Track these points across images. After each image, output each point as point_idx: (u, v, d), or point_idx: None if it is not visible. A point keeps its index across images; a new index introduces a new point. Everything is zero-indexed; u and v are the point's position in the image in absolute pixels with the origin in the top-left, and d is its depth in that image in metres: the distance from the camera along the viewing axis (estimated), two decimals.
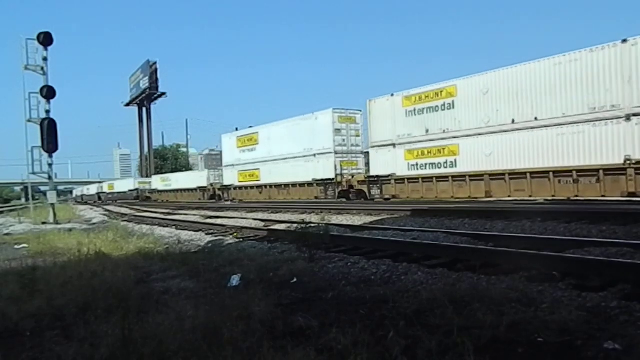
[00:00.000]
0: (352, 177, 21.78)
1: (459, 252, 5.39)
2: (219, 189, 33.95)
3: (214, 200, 33.07)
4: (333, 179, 22.20)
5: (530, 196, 14.46)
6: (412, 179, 18.31)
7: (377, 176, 19.77)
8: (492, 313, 2.89)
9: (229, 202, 29.33)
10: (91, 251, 6.59)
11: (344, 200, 21.37)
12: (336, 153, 22.43)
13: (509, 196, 14.98)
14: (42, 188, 60.08)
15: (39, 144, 16.44)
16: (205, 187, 36.94)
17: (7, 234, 12.67)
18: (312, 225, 6.57)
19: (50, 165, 16.95)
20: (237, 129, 32.24)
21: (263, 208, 19.33)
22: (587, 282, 3.76)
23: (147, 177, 59.74)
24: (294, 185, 25.06)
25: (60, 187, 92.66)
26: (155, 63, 66.55)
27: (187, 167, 71.23)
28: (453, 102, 16.82)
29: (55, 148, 16.57)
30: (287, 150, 25.52)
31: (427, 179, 17.74)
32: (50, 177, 17.27)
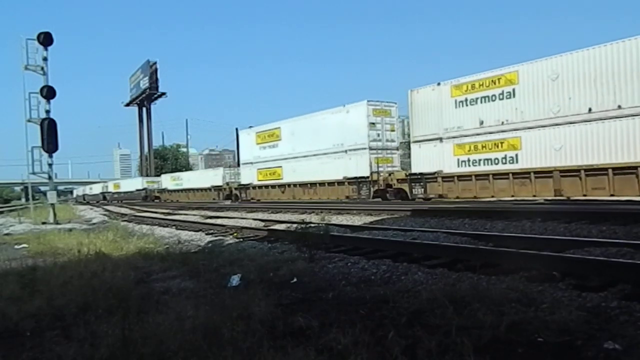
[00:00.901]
0: (390, 174, 19.85)
1: (459, 252, 5.39)
2: (235, 188, 32.22)
3: (229, 201, 31.58)
4: (367, 177, 20.48)
5: (612, 195, 12.91)
6: (463, 177, 16.45)
7: (420, 174, 17.98)
8: (492, 313, 2.89)
9: (235, 203, 28.52)
10: (91, 251, 6.59)
11: (379, 200, 19.73)
12: (371, 149, 20.66)
13: (584, 195, 13.43)
14: (42, 188, 59.81)
15: (39, 144, 16.44)
16: (221, 186, 35.27)
17: (7, 234, 12.67)
18: (312, 225, 6.57)
19: (50, 165, 16.95)
20: (252, 126, 30.30)
21: (263, 208, 19.33)
22: (587, 282, 3.75)
23: (155, 176, 58.30)
24: (321, 184, 23.29)
25: (60, 187, 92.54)
26: (155, 63, 66.61)
27: (187, 167, 71.24)
28: (514, 90, 15.00)
29: (55, 148, 16.57)
30: (314, 146, 23.68)
31: (481, 176, 15.89)
32: (50, 177, 17.27)
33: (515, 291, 3.41)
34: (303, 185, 24.63)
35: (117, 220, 16.47)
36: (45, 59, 16.60)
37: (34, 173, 17.16)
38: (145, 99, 68.02)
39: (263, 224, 11.69)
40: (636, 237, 6.27)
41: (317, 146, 23.48)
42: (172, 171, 60.63)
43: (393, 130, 21.54)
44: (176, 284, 4.72)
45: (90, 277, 4.71)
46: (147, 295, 4.16)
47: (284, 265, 5.21)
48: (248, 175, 29.83)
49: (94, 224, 16.69)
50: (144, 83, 66.37)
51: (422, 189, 17.99)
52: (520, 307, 3.02)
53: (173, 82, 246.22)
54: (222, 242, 8.40)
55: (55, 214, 17.04)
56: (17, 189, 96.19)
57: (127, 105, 73.44)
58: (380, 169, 20.33)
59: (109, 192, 62.77)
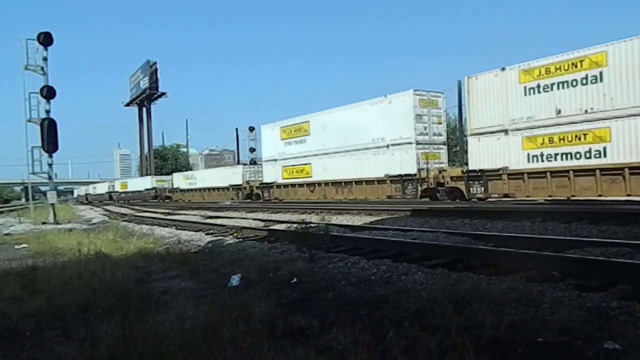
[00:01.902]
0: (441, 172, 17.74)
1: (459, 252, 5.39)
2: (257, 187, 29.73)
3: (249, 200, 29.79)
4: (414, 175, 18.34)
5: None
6: (535, 173, 14.31)
7: (480, 170, 15.80)
8: (492, 313, 2.89)
9: (257, 202, 27.32)
10: (91, 251, 6.59)
11: (427, 199, 17.82)
12: (417, 143, 18.51)
13: None
14: (42, 188, 59.75)
15: (39, 144, 16.45)
16: (240, 185, 32.78)
17: (7, 234, 12.67)
18: (312, 225, 6.58)
19: (50, 165, 16.96)
20: (277, 121, 27.58)
21: (263, 208, 19.33)
22: (587, 282, 3.76)
23: (165, 174, 56.38)
24: (358, 182, 20.98)
25: (60, 187, 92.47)
26: (155, 63, 66.53)
27: (187, 167, 71.17)
28: (601, 73, 12.90)
29: (55, 148, 16.58)
30: (349, 141, 21.35)
31: (558, 172, 13.77)
32: (50, 177, 17.28)
33: (515, 291, 3.42)
34: (336, 183, 22.29)
35: (117, 220, 16.48)
36: (45, 59, 16.61)
37: (34, 173, 17.17)
38: (145, 99, 67.99)
39: (263, 224, 11.69)
40: (636, 237, 6.27)
41: (353, 141, 21.12)
42: (172, 171, 60.51)
43: (440, 123, 19.44)
44: (176, 284, 4.72)
45: (90, 277, 4.71)
46: (147, 295, 4.16)
47: (284, 265, 5.21)
48: (271, 173, 27.37)
49: (94, 224, 16.69)
50: (144, 83, 66.33)
51: (482, 188, 15.82)
52: (520, 307, 3.02)
53: (173, 82, 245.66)
54: (222, 242, 8.40)
55: (55, 214, 17.05)
56: (17, 189, 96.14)
57: (127, 105, 73.40)
58: (426, 165, 18.19)
59: (116, 192, 60.52)
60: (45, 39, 16.45)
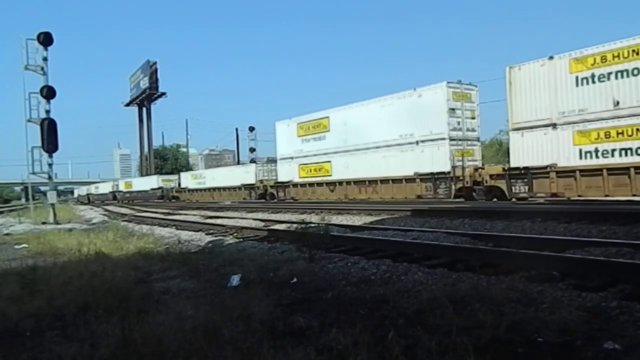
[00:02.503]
0: (478, 169, 16.58)
1: (459, 252, 5.39)
2: (271, 187, 28.30)
3: (263, 200, 28.49)
4: (447, 173, 17.17)
5: None
6: (589, 171, 13.12)
7: (524, 168, 14.58)
8: (492, 313, 2.89)
9: (271, 202, 26.14)
10: (91, 251, 6.60)
11: (461, 200, 16.62)
12: (451, 139, 17.26)
13: None
14: (42, 188, 59.47)
15: (39, 144, 16.47)
16: (253, 184, 31.23)
17: (7, 234, 12.68)
18: (312, 225, 6.58)
19: (50, 165, 16.97)
20: (294, 117, 25.86)
21: (263, 208, 19.33)
22: (587, 282, 3.76)
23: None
24: (384, 181, 19.67)
25: (60, 187, 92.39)
26: (155, 63, 66.62)
27: (187, 167, 71.17)
28: None
29: (55, 148, 16.60)
30: (373, 137, 20.04)
31: (616, 170, 12.53)
32: (50, 177, 17.29)
33: (515, 291, 3.41)
34: (359, 182, 20.93)
35: (117, 220, 16.49)
36: (45, 59, 16.62)
37: (34, 173, 17.18)
38: (145, 99, 68.04)
39: (263, 224, 11.69)
40: (636, 237, 6.26)
41: (378, 137, 19.81)
42: (172, 171, 60.47)
43: (474, 118, 18.10)
44: (176, 284, 4.72)
45: (90, 277, 4.71)
46: (147, 295, 4.16)
47: (284, 265, 5.22)
48: (287, 172, 25.97)
49: (94, 224, 16.69)
50: (144, 83, 66.38)
51: (526, 187, 14.60)
52: (520, 307, 3.02)
53: (173, 82, 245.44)
54: (222, 242, 8.40)
55: (55, 214, 17.05)
56: (17, 189, 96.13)
57: (127, 105, 73.47)
58: (460, 162, 16.94)
59: (120, 192, 58.97)
60: (45, 39, 16.47)
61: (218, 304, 3.40)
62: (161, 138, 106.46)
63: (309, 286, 4.32)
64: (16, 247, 9.28)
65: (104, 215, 23.33)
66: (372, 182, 20.25)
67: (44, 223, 15.76)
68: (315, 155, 23.83)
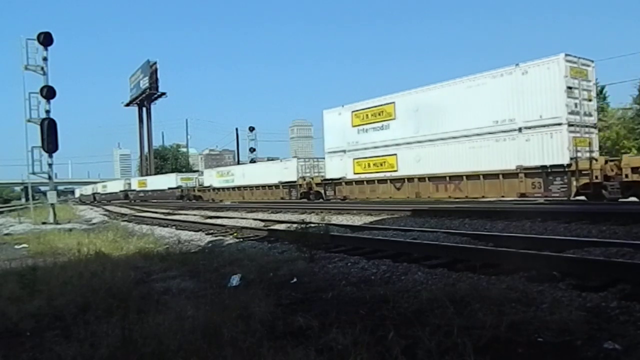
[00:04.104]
0: (609, 162, 13.50)
1: (459, 252, 5.39)
2: (317, 184, 24.68)
3: (305, 200, 25.29)
4: (567, 166, 13.79)
5: None
6: None
7: None
8: (492, 313, 2.89)
9: (316, 201, 23.45)
10: (91, 251, 6.60)
11: (583, 199, 13.91)
12: (569, 125, 13.95)
13: None
14: (42, 188, 59.45)
15: (39, 144, 16.48)
16: (294, 182, 27.51)
17: (7, 234, 12.68)
18: (312, 225, 6.57)
19: (50, 165, 16.99)
20: (347, 104, 22.22)
21: (263, 208, 19.32)
22: (587, 282, 3.76)
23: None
24: (471, 176, 16.31)
25: (60, 187, 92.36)
26: (155, 63, 66.64)
27: (187, 167, 71.20)
28: None
29: (55, 148, 16.61)
30: (457, 124, 16.74)
31: None
32: (50, 177, 17.31)
33: (515, 291, 3.42)
34: (436, 178, 17.63)
35: (117, 220, 16.48)
36: (45, 59, 16.64)
37: (34, 173, 17.19)
38: (145, 99, 68.06)
39: (263, 224, 11.68)
40: (636, 237, 6.26)
41: (464, 124, 16.49)
42: (172, 171, 60.36)
43: (590, 100, 14.88)
44: (176, 284, 4.72)
45: (90, 277, 4.71)
46: (147, 295, 4.16)
47: (284, 265, 5.22)
48: (338, 167, 22.44)
49: (94, 224, 16.70)
50: (144, 83, 66.39)
51: None
52: (520, 307, 3.02)
53: (173, 82, 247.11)
54: (222, 242, 8.40)
55: (55, 214, 17.06)
56: (17, 189, 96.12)
57: (127, 105, 73.49)
58: (579, 153, 13.98)
59: (133, 191, 55.14)
60: (45, 39, 16.48)
61: (218, 304, 3.40)
62: (161, 138, 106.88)
63: (309, 286, 4.32)
64: (16, 247, 9.29)
65: (104, 215, 23.33)
66: (455, 178, 16.86)
67: (44, 223, 15.77)
68: (375, 147, 20.28)
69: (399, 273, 4.55)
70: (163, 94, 67.92)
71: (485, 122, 15.96)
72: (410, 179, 18.67)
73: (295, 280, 4.57)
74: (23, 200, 64.78)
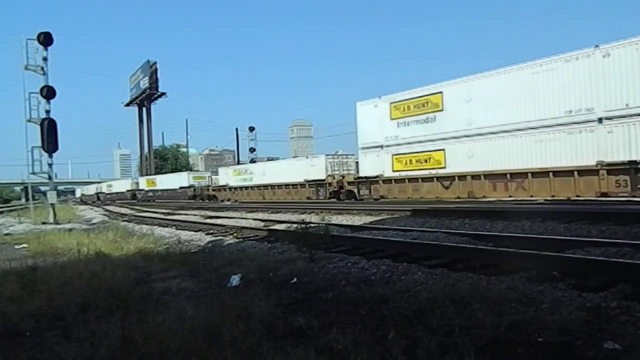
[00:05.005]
0: None
1: (459, 252, 5.39)
2: (350, 183, 22.69)
3: (334, 200, 23.48)
4: None
5: None
6: None
7: None
8: (492, 313, 2.89)
9: (347, 201, 21.66)
10: (91, 251, 6.60)
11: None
12: None
13: None
14: (42, 188, 59.28)
15: (39, 144, 16.49)
16: (322, 180, 25.39)
17: (7, 234, 12.68)
18: (312, 225, 6.58)
19: (50, 165, 16.99)
20: (384, 96, 20.08)
21: (263, 208, 19.32)
22: (587, 282, 3.76)
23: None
24: (538, 173, 14.41)
25: (60, 187, 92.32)
26: (155, 63, 66.63)
27: (187, 167, 71.18)
28: None
29: (55, 148, 16.61)
30: (519, 116, 14.88)
31: None
32: (50, 177, 17.30)
33: (515, 291, 3.42)
34: (492, 176, 15.75)
35: (117, 220, 16.48)
36: (45, 59, 16.64)
37: (34, 173, 17.19)
38: (145, 99, 68.05)
39: (263, 224, 11.69)
40: (636, 237, 6.26)
41: (528, 115, 14.71)
42: (173, 171, 60.28)
43: None
44: (176, 284, 4.72)
45: (90, 277, 4.71)
46: (147, 295, 4.16)
47: (284, 265, 5.22)
48: (374, 164, 20.36)
49: (94, 224, 16.70)
50: (144, 83, 66.38)
51: None
52: (520, 307, 3.02)
53: (173, 82, 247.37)
54: (222, 242, 8.40)
55: (55, 214, 17.06)
56: (17, 189, 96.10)
57: (127, 105, 73.47)
58: None
59: (141, 190, 53.07)
60: (45, 39, 16.49)
61: (218, 304, 3.40)
62: (161, 138, 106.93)
63: (309, 286, 4.32)
64: (16, 247, 9.29)
65: (104, 215, 23.33)
66: (518, 175, 15.04)
67: (44, 223, 15.77)
68: (419, 142, 18.41)
69: (399, 273, 4.55)
70: (163, 94, 67.95)
71: (556, 112, 14.03)
72: (462, 176, 16.70)
73: (295, 280, 4.57)
74: (23, 200, 64.69)
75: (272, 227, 10.24)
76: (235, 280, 4.57)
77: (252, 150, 52.50)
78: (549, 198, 14.04)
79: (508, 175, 15.21)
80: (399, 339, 2.56)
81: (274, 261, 5.53)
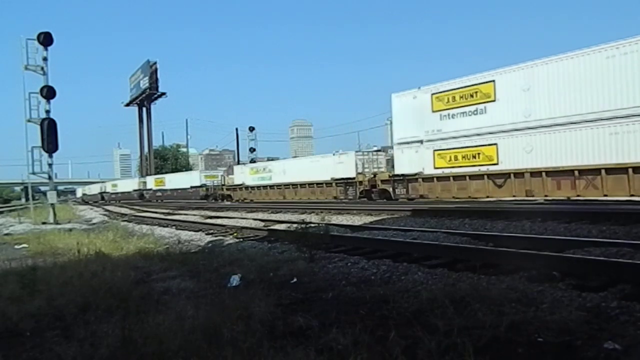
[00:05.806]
0: None
1: (459, 252, 5.39)
2: (384, 181, 20.50)
3: (364, 199, 21.78)
4: None
5: None
6: None
7: None
8: (492, 313, 2.89)
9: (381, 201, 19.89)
10: (91, 251, 6.60)
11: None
12: None
13: None
14: (42, 188, 59.20)
15: (39, 144, 16.48)
16: (351, 178, 23.47)
17: (7, 234, 12.68)
18: (312, 225, 6.57)
19: (50, 165, 16.99)
20: (424, 86, 18.30)
21: (263, 208, 19.32)
22: (587, 282, 3.76)
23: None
24: (613, 169, 12.82)
25: (60, 187, 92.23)
26: (155, 63, 66.62)
27: (187, 167, 71.18)
28: None
29: (55, 148, 16.61)
30: (590, 105, 13.28)
31: None
32: (50, 177, 17.30)
33: (515, 291, 3.42)
34: (555, 173, 14.14)
35: (117, 220, 16.48)
36: (45, 59, 16.64)
37: (34, 173, 17.19)
38: (145, 99, 68.04)
39: (263, 224, 11.69)
40: (636, 237, 6.26)
41: (601, 105, 13.08)
42: (173, 171, 60.19)
43: None
44: (176, 284, 4.72)
45: (90, 277, 4.71)
46: (147, 295, 4.16)
47: (284, 265, 5.22)
48: (412, 161, 18.57)
49: (94, 224, 16.70)
50: (144, 83, 66.37)
51: None
52: (520, 307, 3.02)
53: (173, 82, 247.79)
54: (222, 242, 8.40)
55: (55, 214, 17.06)
56: (17, 189, 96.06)
57: (127, 105, 73.46)
58: None
59: (149, 190, 51.59)
60: (45, 39, 16.49)
61: (218, 304, 3.40)
62: (161, 138, 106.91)
63: (309, 286, 4.32)
64: (16, 247, 9.29)
65: (104, 215, 23.33)
66: (588, 172, 13.38)
67: (44, 223, 15.77)
68: (466, 136, 16.68)
69: (399, 273, 4.55)
70: (163, 94, 67.95)
71: (637, 101, 12.45)
72: (518, 173, 15.08)
73: (295, 280, 4.57)
74: (23, 200, 64.66)
75: (272, 227, 10.24)
76: (235, 280, 4.57)
77: (252, 150, 52.48)
78: (627, 197, 12.56)
79: (576, 172, 13.58)
80: (399, 339, 2.56)
81: (274, 261, 5.53)
